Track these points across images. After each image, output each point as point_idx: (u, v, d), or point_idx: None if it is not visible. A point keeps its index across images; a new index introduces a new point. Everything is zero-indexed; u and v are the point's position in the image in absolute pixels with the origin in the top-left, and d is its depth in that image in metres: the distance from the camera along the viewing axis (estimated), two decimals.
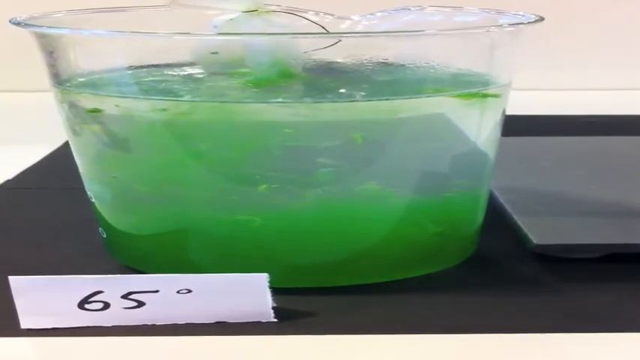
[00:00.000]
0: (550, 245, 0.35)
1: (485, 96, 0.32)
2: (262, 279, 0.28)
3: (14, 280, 0.29)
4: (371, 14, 0.36)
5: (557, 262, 0.35)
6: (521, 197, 0.41)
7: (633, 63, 0.77)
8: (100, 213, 0.34)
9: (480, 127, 0.33)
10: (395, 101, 0.31)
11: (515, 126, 0.49)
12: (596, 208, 0.41)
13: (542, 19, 0.31)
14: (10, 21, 0.31)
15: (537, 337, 0.29)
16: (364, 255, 0.32)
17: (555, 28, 0.73)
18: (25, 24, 0.31)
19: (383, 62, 0.33)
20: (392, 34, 0.32)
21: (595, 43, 0.77)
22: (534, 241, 0.35)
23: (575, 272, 0.34)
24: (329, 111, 0.30)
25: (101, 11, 0.36)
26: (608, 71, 0.77)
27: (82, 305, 0.29)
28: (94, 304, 0.29)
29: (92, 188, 0.34)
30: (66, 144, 0.55)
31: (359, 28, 0.36)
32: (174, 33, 0.31)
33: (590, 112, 0.68)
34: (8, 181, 0.48)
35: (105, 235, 0.35)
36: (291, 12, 0.34)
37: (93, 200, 0.34)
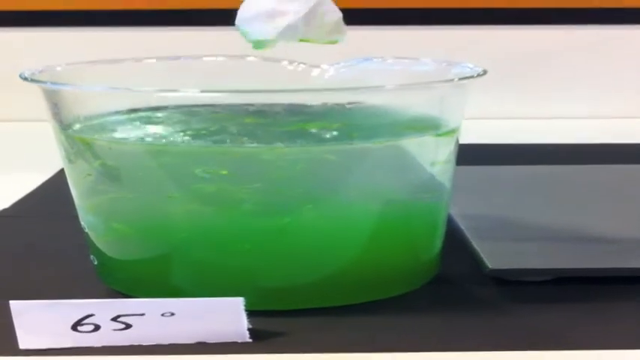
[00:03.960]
0: (504, 270, 0.38)
1: (438, 135, 0.36)
2: (238, 302, 0.31)
3: (14, 304, 0.32)
4: (338, 63, 0.40)
5: (513, 285, 0.38)
6: (480, 223, 0.44)
7: (589, 92, 0.79)
8: (92, 242, 0.37)
9: (435, 160, 0.36)
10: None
11: (476, 155, 0.52)
12: (549, 234, 0.44)
13: (485, 72, 0.35)
14: (20, 76, 0.35)
15: (493, 354, 0.31)
16: (332, 279, 0.35)
17: (511, 57, 0.77)
18: (32, 79, 0.35)
19: (349, 105, 0.37)
20: (358, 89, 0.36)
21: (551, 72, 0.79)
22: (489, 266, 0.38)
23: (530, 294, 0.37)
24: (300, 152, 0.34)
25: (99, 63, 0.40)
26: (565, 100, 0.79)
27: (75, 327, 0.32)
28: (85, 326, 0.32)
29: (86, 219, 0.37)
30: (58, 173, 0.58)
31: (328, 76, 0.40)
32: (159, 89, 0.35)
33: (550, 140, 0.71)
34: (5, 209, 0.50)
35: (96, 262, 0.38)
36: (268, 59, 0.38)
37: (86, 230, 0.37)
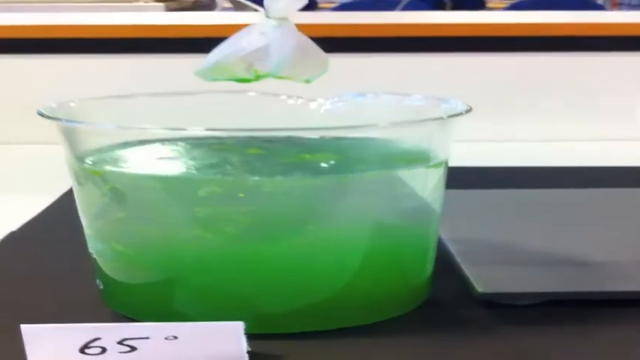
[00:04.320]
0: (493, 293, 0.40)
1: (428, 167, 0.38)
2: (238, 326, 0.33)
3: (25, 328, 0.33)
4: (333, 98, 0.42)
5: (502, 308, 0.39)
6: (470, 247, 0.45)
7: (576, 115, 0.81)
8: (99, 267, 0.39)
9: (425, 187, 0.38)
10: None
11: (466, 178, 0.53)
12: (538, 258, 0.45)
13: (470, 109, 0.37)
14: (37, 112, 0.37)
15: None
16: (327, 303, 0.37)
17: (500, 82, 0.78)
18: (48, 116, 0.37)
19: (343, 138, 0.39)
20: (356, 127, 0.39)
21: (539, 96, 0.81)
22: (479, 290, 0.40)
23: (519, 317, 0.38)
24: (299, 183, 0.36)
25: (110, 98, 0.42)
26: (553, 123, 0.81)
27: (82, 350, 0.33)
28: (92, 349, 0.33)
29: (95, 246, 0.39)
30: (64, 195, 0.60)
31: (324, 109, 0.42)
32: (167, 127, 0.36)
33: (540, 164, 0.71)
34: (13, 232, 0.52)
35: (102, 287, 0.39)
36: (267, 94, 0.40)
37: (94, 256, 0.39)
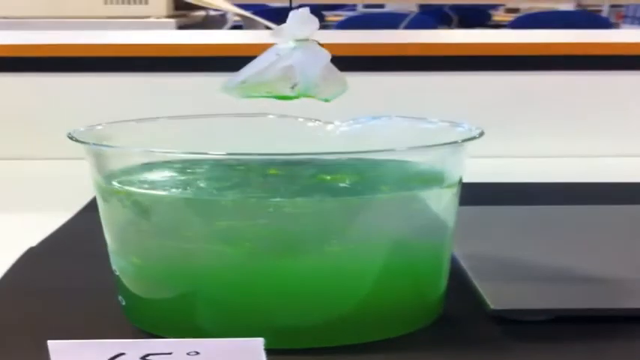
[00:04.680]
0: (505, 310, 0.41)
1: (442, 187, 0.39)
2: (259, 343, 0.34)
3: (52, 344, 0.34)
4: (349, 120, 0.44)
5: (514, 324, 0.40)
6: (482, 264, 0.46)
7: (589, 131, 0.82)
8: (122, 284, 0.40)
9: (439, 206, 0.39)
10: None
11: (478, 194, 0.54)
12: (549, 274, 0.46)
13: (483, 133, 0.38)
14: (67, 136, 0.39)
15: None
16: (344, 319, 0.38)
17: (510, 97, 0.80)
18: (78, 140, 0.39)
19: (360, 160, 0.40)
20: (374, 151, 0.40)
21: (551, 112, 0.82)
22: (491, 306, 0.41)
23: (530, 333, 0.39)
24: (318, 204, 0.37)
25: (135, 121, 0.43)
26: (563, 139, 0.81)
27: None
28: None
29: (118, 263, 0.40)
30: (82, 211, 0.61)
31: (340, 131, 0.43)
32: (191, 152, 0.38)
33: (551, 179, 0.72)
34: (32, 247, 0.53)
35: (124, 303, 0.41)
36: (286, 116, 0.41)
37: (117, 273, 0.40)
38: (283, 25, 0.38)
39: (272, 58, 0.38)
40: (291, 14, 0.38)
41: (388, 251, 0.38)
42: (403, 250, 0.38)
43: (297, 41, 0.38)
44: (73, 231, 0.57)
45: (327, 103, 0.39)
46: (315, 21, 0.38)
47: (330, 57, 0.38)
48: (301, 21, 0.37)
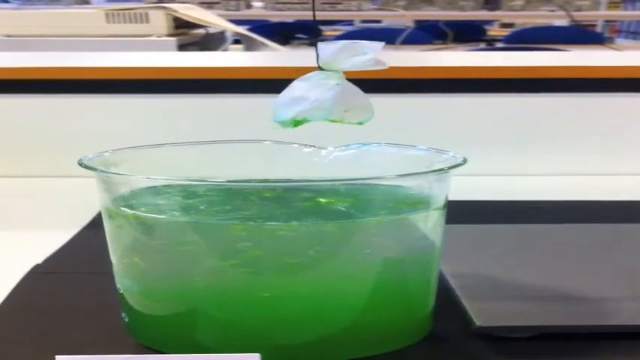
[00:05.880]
0: (490, 327, 0.42)
1: (429, 209, 0.41)
2: (255, 358, 0.36)
3: (61, 359, 0.36)
4: (341, 146, 0.46)
5: (501, 340, 0.42)
6: (470, 282, 0.48)
7: (578, 150, 0.84)
8: (126, 301, 0.42)
9: (427, 226, 0.41)
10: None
11: (465, 212, 0.56)
12: (534, 292, 0.47)
13: (466, 161, 0.41)
14: (78, 162, 0.41)
15: None
16: (338, 336, 0.40)
17: (499, 117, 0.82)
18: (87, 166, 0.41)
19: (354, 183, 0.42)
20: (367, 178, 0.43)
21: (540, 131, 0.84)
22: (477, 323, 0.42)
23: (516, 349, 0.41)
24: (313, 227, 0.39)
25: (140, 147, 0.46)
26: (553, 158, 0.84)
27: None
28: None
29: (122, 282, 0.42)
30: (85, 229, 0.63)
31: (333, 156, 0.46)
32: (192, 180, 0.41)
33: (536, 197, 0.74)
34: (38, 265, 0.55)
35: (127, 319, 0.42)
36: (282, 142, 0.43)
37: (121, 291, 0.42)
38: (329, 57, 0.40)
39: (311, 86, 0.40)
40: (340, 45, 0.40)
41: (379, 271, 0.40)
42: (394, 269, 0.40)
43: (329, 71, 0.40)
44: (78, 248, 0.59)
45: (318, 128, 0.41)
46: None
47: (354, 86, 0.41)
48: (347, 54, 0.40)
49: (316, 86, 0.40)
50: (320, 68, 0.40)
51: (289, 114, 0.40)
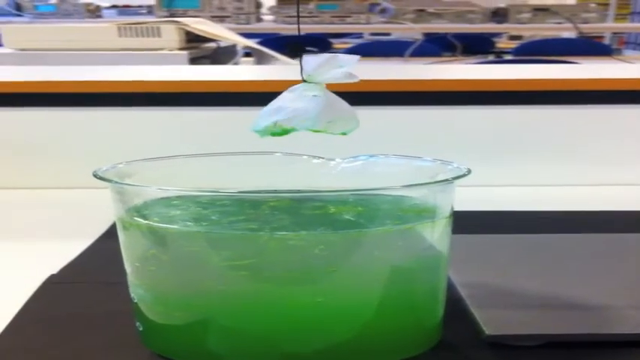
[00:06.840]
0: (500, 335, 0.43)
1: (435, 219, 0.42)
2: None
3: None
4: (349, 158, 0.47)
5: (509, 349, 0.42)
6: (479, 291, 0.49)
7: (584, 161, 0.85)
8: (140, 311, 0.43)
9: (434, 235, 0.42)
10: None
11: (474, 222, 0.56)
12: (542, 301, 0.48)
13: (470, 171, 0.41)
14: (93, 174, 0.42)
15: None
16: (347, 345, 0.40)
17: (506, 126, 0.83)
18: (102, 178, 0.42)
19: (361, 193, 0.43)
20: (377, 189, 0.43)
21: (546, 141, 0.85)
22: (486, 332, 0.43)
23: (525, 358, 0.41)
24: (321, 237, 0.40)
25: (153, 160, 0.47)
26: (557, 169, 0.84)
27: None
28: None
29: (136, 291, 0.43)
30: (99, 240, 0.64)
31: (341, 167, 0.47)
32: (205, 190, 0.42)
33: (544, 208, 0.75)
34: (53, 275, 0.55)
35: (141, 329, 0.43)
36: (292, 154, 0.44)
37: (135, 301, 0.43)
38: (311, 70, 0.41)
39: (296, 97, 0.41)
40: (322, 59, 0.41)
41: (388, 279, 0.41)
42: (402, 278, 0.41)
43: (313, 83, 0.41)
44: (93, 258, 0.60)
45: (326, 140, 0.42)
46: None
47: (338, 97, 0.42)
48: (328, 67, 0.41)
49: (299, 98, 0.41)
50: (304, 81, 0.41)
51: (264, 122, 0.41)
